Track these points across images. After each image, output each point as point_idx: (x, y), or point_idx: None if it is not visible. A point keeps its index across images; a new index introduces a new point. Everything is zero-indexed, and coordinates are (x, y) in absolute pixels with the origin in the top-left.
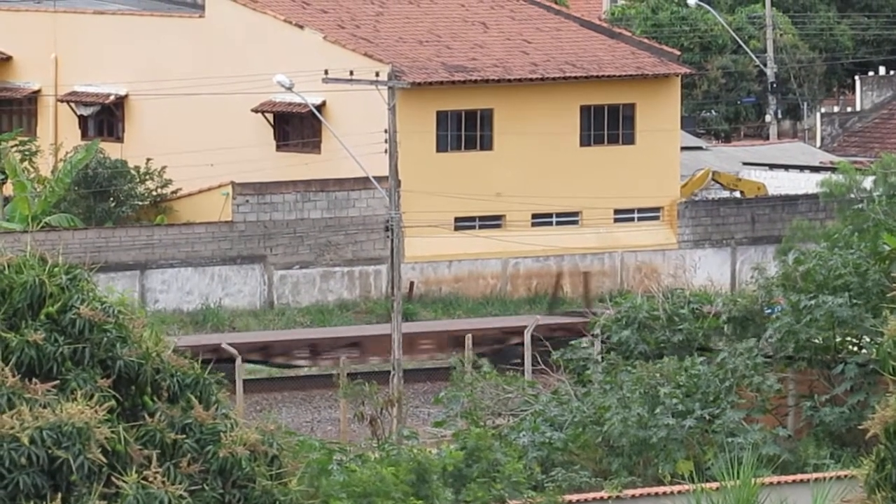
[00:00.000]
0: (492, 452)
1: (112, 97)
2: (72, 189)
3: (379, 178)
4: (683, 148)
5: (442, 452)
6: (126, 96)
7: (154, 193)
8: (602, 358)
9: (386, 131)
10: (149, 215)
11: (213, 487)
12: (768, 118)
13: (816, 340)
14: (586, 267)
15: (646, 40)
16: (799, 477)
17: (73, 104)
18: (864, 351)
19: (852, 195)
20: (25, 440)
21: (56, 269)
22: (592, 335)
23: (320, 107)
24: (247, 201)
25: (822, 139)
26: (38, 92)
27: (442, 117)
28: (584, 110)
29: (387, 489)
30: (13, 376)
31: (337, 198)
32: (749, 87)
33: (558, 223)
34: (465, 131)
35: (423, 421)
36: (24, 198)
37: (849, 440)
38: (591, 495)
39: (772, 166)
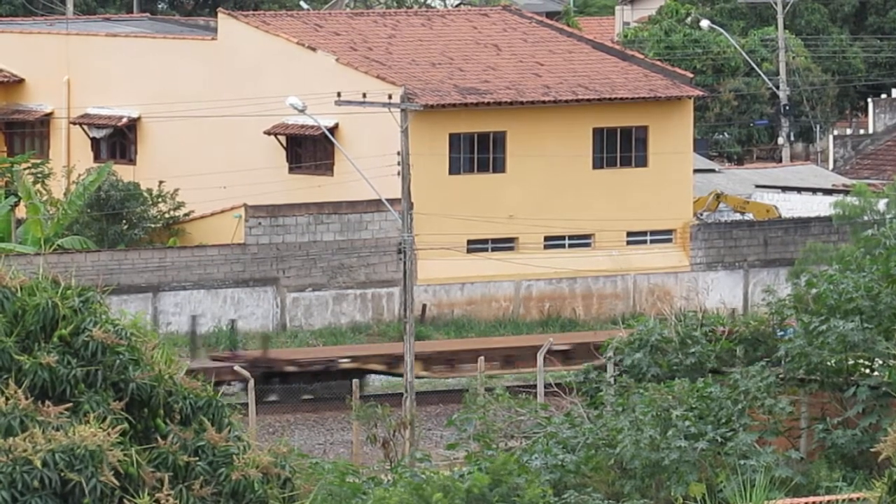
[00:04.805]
0: (513, 477)
1: (125, 120)
2: (84, 211)
3: (391, 201)
4: (696, 170)
5: (456, 474)
6: (139, 119)
7: (166, 216)
8: (614, 380)
9: (398, 153)
10: (161, 238)
11: None
12: (781, 141)
13: (829, 363)
14: (599, 289)
15: (658, 63)
16: (811, 499)
17: (85, 127)
18: (876, 374)
19: (866, 217)
20: (38, 463)
21: (69, 292)
22: (607, 358)
23: (333, 129)
24: (259, 224)
25: (835, 162)
26: (50, 114)
27: (454, 140)
28: (597, 133)
29: None
30: (26, 399)
31: (350, 220)
32: (762, 109)
33: (571, 245)
34: (478, 153)
35: (435, 443)
36: (37, 220)
37: (861, 463)
38: None
39: (784, 189)
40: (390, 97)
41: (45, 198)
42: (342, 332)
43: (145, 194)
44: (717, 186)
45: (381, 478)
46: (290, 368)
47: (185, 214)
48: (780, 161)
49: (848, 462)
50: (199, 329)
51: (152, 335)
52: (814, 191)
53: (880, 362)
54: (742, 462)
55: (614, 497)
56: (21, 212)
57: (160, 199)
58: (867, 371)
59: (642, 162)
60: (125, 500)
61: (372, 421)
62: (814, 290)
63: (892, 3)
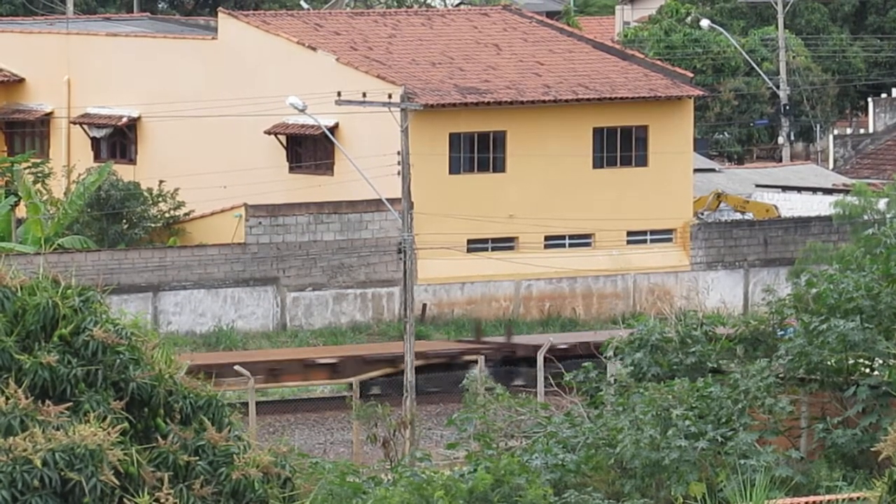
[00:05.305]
0: (514, 477)
1: (125, 119)
2: (84, 211)
3: (392, 200)
4: (696, 170)
5: (457, 474)
6: (139, 118)
7: (167, 215)
8: (615, 380)
9: (399, 153)
10: (161, 237)
11: None
12: (781, 140)
13: (829, 363)
14: (599, 289)
15: (658, 62)
16: (812, 499)
17: (85, 126)
18: (876, 373)
19: (866, 217)
20: (38, 462)
21: (69, 291)
22: (605, 357)
23: (333, 129)
24: (259, 223)
25: (835, 161)
26: (50, 114)
27: (455, 139)
28: (597, 132)
29: None
30: (26, 398)
31: (350, 220)
32: (762, 109)
33: (571, 245)
34: (478, 153)
35: (435, 443)
36: (37, 220)
37: (861, 462)
38: None
39: (784, 188)
40: (390, 97)
41: (45, 197)
42: (342, 331)
43: (145, 194)
44: (718, 186)
45: (381, 477)
46: None
47: (186, 214)
48: (781, 161)
49: (848, 462)
50: (200, 329)
51: (152, 335)
52: (814, 190)
53: (880, 362)
54: (742, 462)
55: (614, 497)
56: (21, 211)
57: (160, 199)
58: (867, 371)
59: (642, 161)
60: (125, 500)
61: (372, 420)
62: (814, 290)
63: (892, 3)
